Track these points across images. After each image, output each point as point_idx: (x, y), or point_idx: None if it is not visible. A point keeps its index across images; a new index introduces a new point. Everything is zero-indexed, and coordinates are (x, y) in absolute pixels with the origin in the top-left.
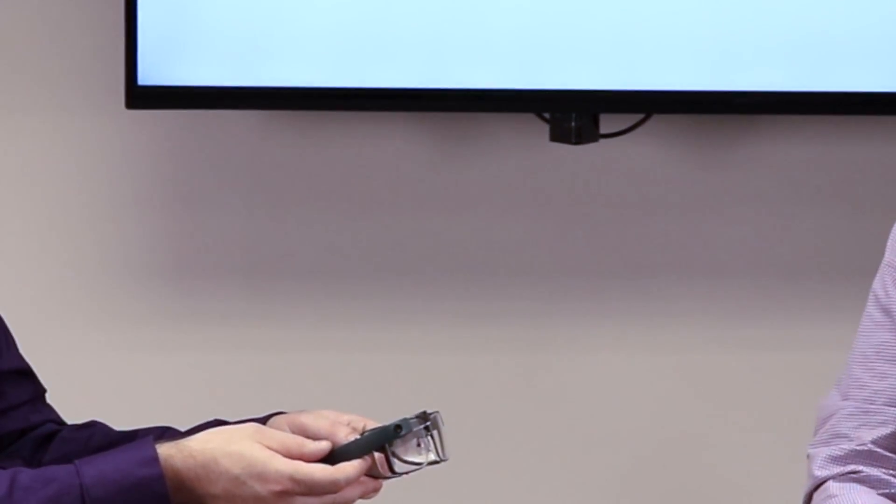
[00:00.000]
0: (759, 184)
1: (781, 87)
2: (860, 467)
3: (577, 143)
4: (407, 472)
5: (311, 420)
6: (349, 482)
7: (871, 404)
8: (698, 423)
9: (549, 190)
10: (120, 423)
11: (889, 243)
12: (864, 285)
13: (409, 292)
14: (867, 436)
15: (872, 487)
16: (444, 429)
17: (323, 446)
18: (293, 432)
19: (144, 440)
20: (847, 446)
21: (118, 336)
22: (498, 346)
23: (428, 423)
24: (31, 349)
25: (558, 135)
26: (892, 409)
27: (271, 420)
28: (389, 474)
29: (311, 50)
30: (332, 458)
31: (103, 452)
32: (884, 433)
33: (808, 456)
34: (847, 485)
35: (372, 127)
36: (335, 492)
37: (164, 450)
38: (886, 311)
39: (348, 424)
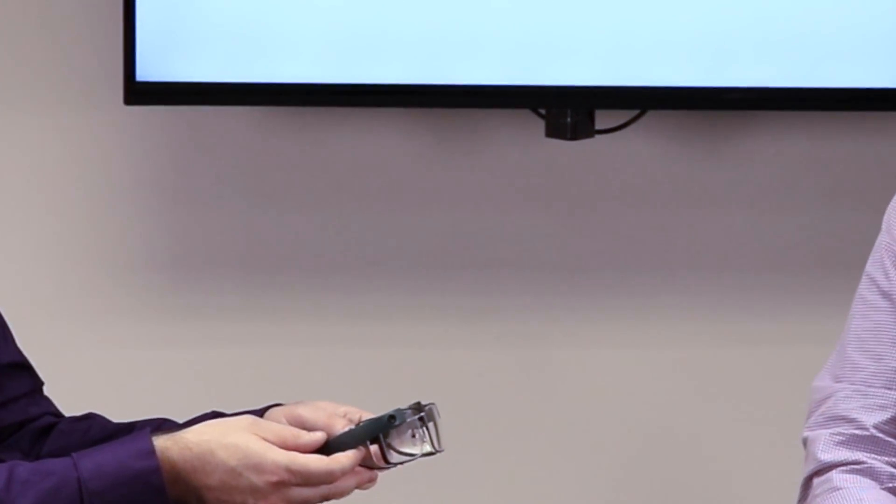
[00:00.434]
0: (753, 179)
1: (775, 83)
2: (863, 457)
3: (573, 138)
4: (401, 463)
5: (307, 412)
6: (344, 472)
7: (869, 386)
8: (694, 418)
9: (545, 185)
10: (117, 418)
11: (884, 226)
12: (857, 278)
13: (406, 287)
14: (868, 420)
15: (877, 480)
16: (439, 420)
17: (318, 437)
18: (290, 424)
19: (141, 433)
20: (847, 430)
21: (116, 331)
22: (494, 341)
23: (423, 415)
24: (29, 344)
25: (554, 130)
26: (891, 392)
27: (268, 412)
28: (384, 465)
29: (308, 46)
30: (327, 448)
31: (100, 445)
32: (884, 418)
33: (804, 439)
34: (852, 477)
35: (369, 123)
36: (331, 482)
37: (161, 442)
38: (885, 294)
39: (345, 416)
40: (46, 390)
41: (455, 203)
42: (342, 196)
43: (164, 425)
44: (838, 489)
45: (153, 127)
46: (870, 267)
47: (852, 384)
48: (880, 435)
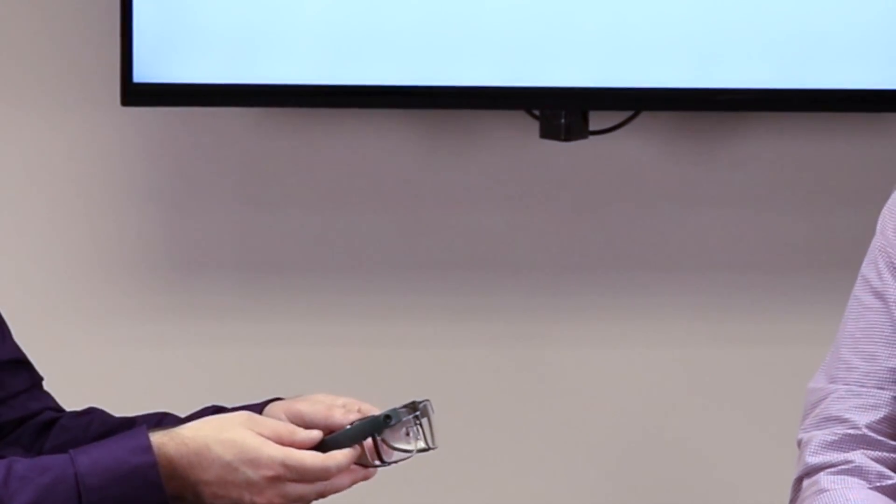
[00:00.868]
0: (747, 180)
1: (768, 84)
2: (853, 457)
3: (567, 139)
4: (397, 462)
5: (306, 406)
6: (340, 470)
7: (862, 387)
8: (688, 417)
9: (539, 186)
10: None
11: (878, 228)
12: (849, 279)
13: (401, 287)
14: (861, 419)
15: (865, 479)
16: (433, 416)
17: (314, 435)
18: (289, 419)
19: (138, 429)
20: (840, 430)
21: (113, 330)
22: (489, 341)
23: (418, 413)
24: (27, 344)
25: (548, 131)
26: (883, 391)
27: (268, 407)
28: (379, 463)
29: (304, 47)
30: (323, 446)
31: (98, 442)
32: (877, 417)
33: (798, 441)
34: (839, 478)
35: (364, 123)
36: (326, 479)
37: (158, 438)
38: (878, 295)
39: (343, 407)
40: (45, 389)
41: (450, 203)
42: (338, 196)
43: (165, 419)
44: (825, 491)
45: (150, 128)
46: (864, 268)
47: (846, 385)
48: (872, 434)
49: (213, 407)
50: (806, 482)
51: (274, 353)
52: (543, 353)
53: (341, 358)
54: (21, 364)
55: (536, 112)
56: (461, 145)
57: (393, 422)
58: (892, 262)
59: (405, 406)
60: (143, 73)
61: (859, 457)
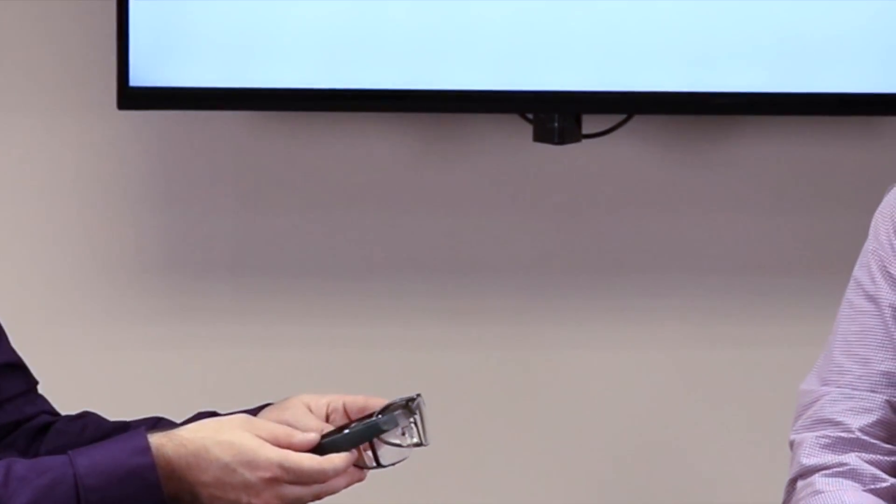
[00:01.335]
0: (739, 182)
1: (760, 88)
2: (847, 459)
3: (560, 143)
4: (393, 464)
5: (296, 417)
6: (336, 473)
7: (855, 390)
8: (679, 419)
9: (533, 189)
10: (111, 419)
11: (871, 232)
12: (842, 281)
13: (395, 290)
14: (854, 423)
15: (860, 482)
16: (426, 411)
17: (311, 438)
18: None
19: (137, 431)
20: (833, 433)
21: (109, 333)
22: (483, 343)
23: (414, 418)
24: (24, 347)
25: (541, 135)
26: (876, 395)
27: (262, 412)
28: (374, 465)
29: (299, 52)
30: (320, 449)
31: (97, 443)
32: (870, 420)
33: (791, 442)
34: (834, 480)
35: (359, 127)
36: (322, 482)
37: (156, 439)
38: (871, 298)
39: (328, 406)
40: (40, 392)
41: (444, 206)
42: (333, 199)
43: (160, 424)
44: (820, 493)
45: (146, 131)
46: (857, 271)
47: (839, 388)
48: (865, 437)
49: (207, 413)
50: (800, 483)
51: (270, 355)
52: (537, 356)
53: (336, 359)
54: (16, 368)
55: (530, 116)
56: (455, 148)
57: (391, 426)
58: (884, 266)
59: (401, 407)
60: (140, 76)
61: (853, 459)
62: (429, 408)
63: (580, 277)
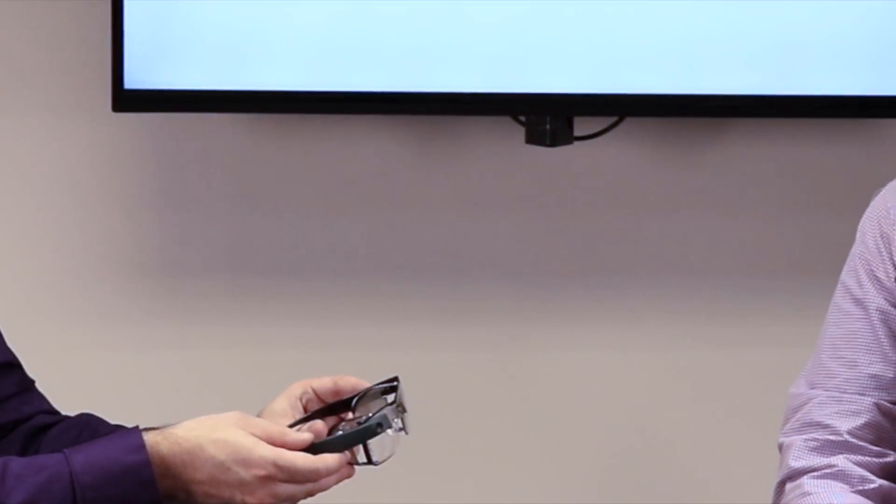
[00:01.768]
0: (730, 185)
1: (750, 90)
2: (835, 461)
3: (552, 145)
4: (383, 461)
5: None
6: (329, 473)
7: (843, 393)
8: (673, 420)
9: (525, 190)
10: (108, 420)
11: (858, 236)
12: (831, 283)
13: (389, 291)
14: (842, 426)
15: (848, 483)
16: (405, 398)
17: (305, 437)
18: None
19: (132, 429)
20: (821, 436)
21: (106, 334)
22: (476, 344)
23: (403, 414)
24: (20, 347)
25: (534, 137)
26: (864, 398)
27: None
28: (366, 462)
29: (294, 54)
30: (313, 449)
31: (92, 441)
32: (858, 423)
33: (780, 444)
34: (823, 482)
35: (353, 129)
36: (315, 480)
37: (151, 437)
38: (858, 302)
39: (302, 398)
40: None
41: (437, 208)
42: (327, 201)
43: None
44: (809, 494)
45: (141, 133)
46: (844, 275)
47: (827, 391)
48: (853, 440)
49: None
50: (789, 485)
51: (265, 356)
52: (530, 357)
53: (331, 360)
54: (11, 367)
55: (522, 118)
56: (448, 150)
57: (385, 427)
58: (871, 270)
59: (379, 389)
60: (134, 79)
61: (842, 461)
62: (422, 407)
63: (572, 278)
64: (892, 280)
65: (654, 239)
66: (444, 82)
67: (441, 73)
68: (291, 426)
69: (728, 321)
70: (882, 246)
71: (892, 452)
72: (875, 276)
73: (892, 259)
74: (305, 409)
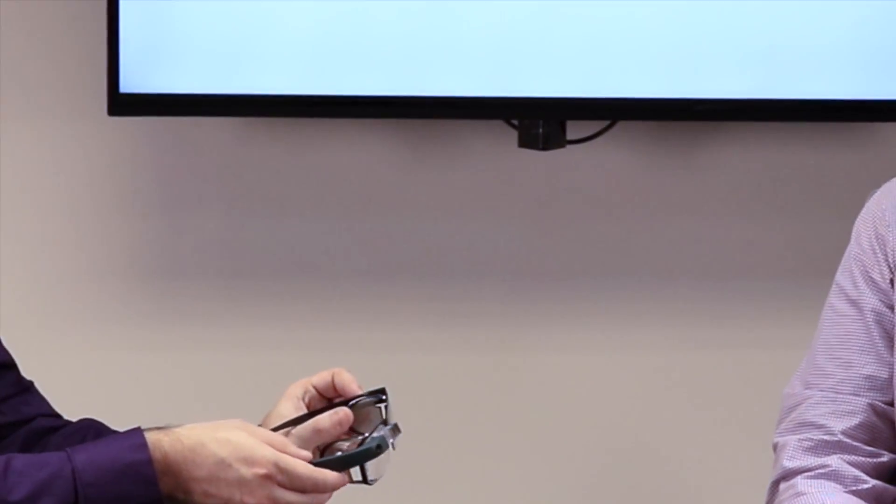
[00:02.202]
0: (722, 187)
1: (742, 94)
2: (829, 462)
3: (545, 148)
4: (377, 479)
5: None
6: (327, 489)
7: (838, 393)
8: (668, 422)
9: (518, 194)
10: (103, 422)
11: (853, 237)
12: (824, 285)
13: (382, 293)
14: (836, 426)
15: (841, 483)
16: (391, 409)
17: (305, 454)
18: None
19: (134, 429)
20: (816, 436)
21: (101, 336)
22: (469, 347)
23: (399, 433)
24: (15, 350)
25: (526, 141)
26: (859, 398)
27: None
28: (360, 480)
29: (288, 59)
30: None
31: (95, 441)
32: (852, 423)
33: (774, 445)
34: (816, 482)
35: (346, 133)
36: (312, 491)
37: (153, 435)
38: (853, 303)
39: (305, 397)
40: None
41: (430, 211)
42: (321, 204)
43: None
44: (802, 494)
45: (136, 137)
46: (839, 276)
47: (822, 391)
48: (848, 440)
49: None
50: (783, 485)
51: (260, 359)
52: (523, 359)
53: (326, 363)
54: (7, 368)
55: (515, 122)
56: (441, 154)
57: (384, 449)
58: (866, 271)
59: (369, 401)
60: (130, 83)
61: (836, 461)
62: (418, 410)
63: (565, 281)
64: (887, 281)
65: (646, 242)
66: (437, 86)
67: (434, 76)
68: (288, 424)
69: (721, 323)
70: (877, 247)
71: (885, 453)
72: (870, 276)
73: (886, 260)
74: (309, 408)
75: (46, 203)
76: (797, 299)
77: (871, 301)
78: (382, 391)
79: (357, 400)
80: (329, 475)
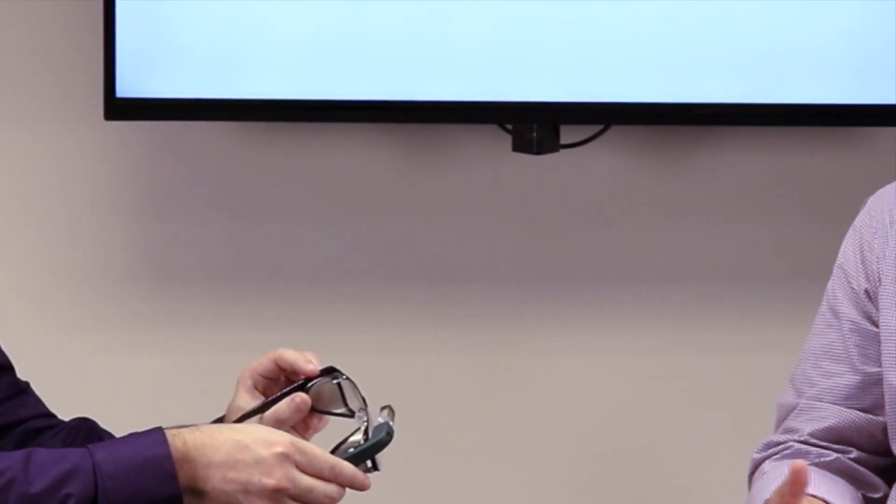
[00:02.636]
0: (715, 192)
1: (735, 99)
2: (791, 443)
3: (539, 153)
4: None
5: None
6: (343, 479)
7: (819, 401)
8: (662, 424)
9: (512, 198)
10: (101, 424)
11: (842, 246)
12: (813, 289)
13: (378, 297)
14: (806, 428)
15: (805, 457)
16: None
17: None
18: None
19: (154, 428)
20: (784, 437)
21: (98, 339)
22: (462, 350)
23: (392, 414)
24: (12, 352)
25: (520, 145)
26: (837, 407)
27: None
28: (371, 466)
29: (283, 63)
30: None
31: (115, 438)
32: (821, 426)
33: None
34: (780, 461)
35: (342, 137)
36: (330, 477)
37: (172, 428)
38: (834, 311)
39: (256, 387)
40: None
41: (425, 215)
42: (316, 208)
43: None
44: (765, 473)
45: (133, 141)
46: (828, 287)
47: (807, 400)
48: (813, 440)
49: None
50: (755, 475)
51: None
52: (516, 362)
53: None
54: (3, 369)
55: (509, 126)
56: (436, 158)
57: (391, 437)
58: (848, 281)
59: (327, 380)
60: (126, 87)
61: (797, 444)
62: (412, 412)
63: (559, 285)
64: (863, 290)
65: (640, 245)
66: (431, 91)
67: (429, 81)
68: (248, 415)
69: (714, 327)
70: (860, 256)
71: (854, 449)
72: (851, 286)
73: (866, 269)
74: (264, 394)
75: (43, 207)
76: (787, 303)
77: (848, 310)
78: (333, 368)
79: (313, 382)
80: (346, 468)
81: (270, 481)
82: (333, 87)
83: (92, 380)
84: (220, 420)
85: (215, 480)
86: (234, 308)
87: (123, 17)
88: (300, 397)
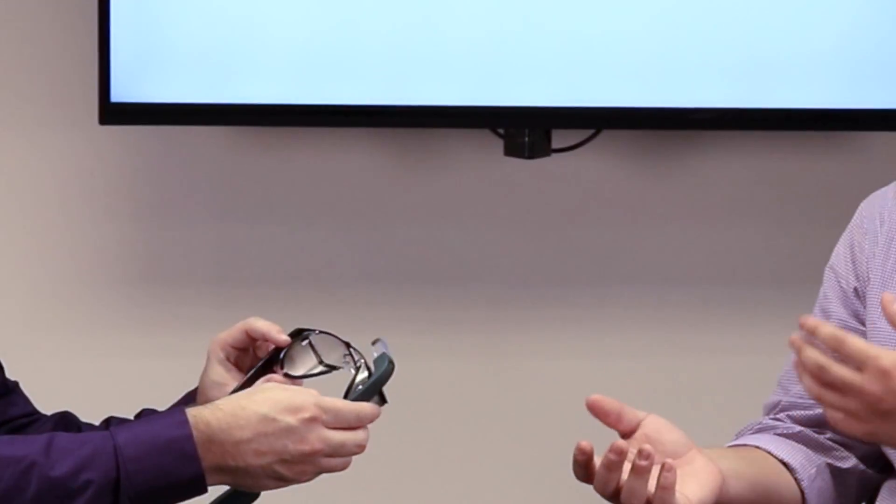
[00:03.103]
0: (706, 196)
1: (727, 103)
2: (759, 422)
3: (530, 157)
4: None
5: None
6: (366, 421)
7: (803, 398)
8: None
9: (504, 202)
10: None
11: (835, 249)
12: (805, 293)
13: (371, 301)
14: (789, 411)
15: (771, 430)
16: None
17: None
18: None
19: (176, 408)
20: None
21: (92, 343)
22: (455, 353)
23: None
24: (8, 356)
25: (512, 149)
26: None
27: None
28: (379, 403)
29: (277, 69)
30: None
31: (137, 420)
32: (804, 414)
33: None
34: (751, 436)
35: (334, 142)
36: (356, 427)
37: (193, 409)
38: (825, 312)
39: (228, 358)
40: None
41: (417, 219)
42: (309, 212)
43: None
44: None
45: (127, 146)
46: (822, 285)
47: (791, 398)
48: (789, 420)
49: (148, 410)
50: None
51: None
52: (508, 365)
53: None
54: None
55: (501, 130)
56: (428, 162)
57: (393, 366)
58: (837, 280)
59: (300, 340)
60: (121, 92)
61: (767, 420)
62: (407, 414)
63: (551, 288)
64: (852, 289)
65: (631, 250)
66: (423, 95)
67: (421, 86)
68: (238, 389)
69: (706, 330)
70: (850, 256)
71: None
72: (840, 285)
73: (855, 269)
74: (236, 365)
75: (38, 211)
76: (781, 306)
77: (837, 310)
78: (301, 329)
79: (284, 351)
80: (366, 406)
81: (305, 447)
82: (327, 91)
83: (86, 382)
84: (193, 394)
85: (248, 456)
86: (229, 311)
87: (118, 21)
88: (276, 378)
